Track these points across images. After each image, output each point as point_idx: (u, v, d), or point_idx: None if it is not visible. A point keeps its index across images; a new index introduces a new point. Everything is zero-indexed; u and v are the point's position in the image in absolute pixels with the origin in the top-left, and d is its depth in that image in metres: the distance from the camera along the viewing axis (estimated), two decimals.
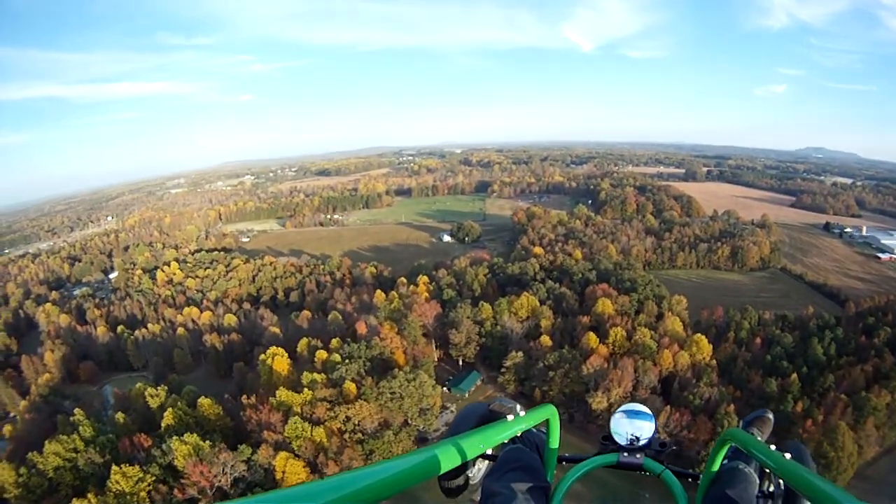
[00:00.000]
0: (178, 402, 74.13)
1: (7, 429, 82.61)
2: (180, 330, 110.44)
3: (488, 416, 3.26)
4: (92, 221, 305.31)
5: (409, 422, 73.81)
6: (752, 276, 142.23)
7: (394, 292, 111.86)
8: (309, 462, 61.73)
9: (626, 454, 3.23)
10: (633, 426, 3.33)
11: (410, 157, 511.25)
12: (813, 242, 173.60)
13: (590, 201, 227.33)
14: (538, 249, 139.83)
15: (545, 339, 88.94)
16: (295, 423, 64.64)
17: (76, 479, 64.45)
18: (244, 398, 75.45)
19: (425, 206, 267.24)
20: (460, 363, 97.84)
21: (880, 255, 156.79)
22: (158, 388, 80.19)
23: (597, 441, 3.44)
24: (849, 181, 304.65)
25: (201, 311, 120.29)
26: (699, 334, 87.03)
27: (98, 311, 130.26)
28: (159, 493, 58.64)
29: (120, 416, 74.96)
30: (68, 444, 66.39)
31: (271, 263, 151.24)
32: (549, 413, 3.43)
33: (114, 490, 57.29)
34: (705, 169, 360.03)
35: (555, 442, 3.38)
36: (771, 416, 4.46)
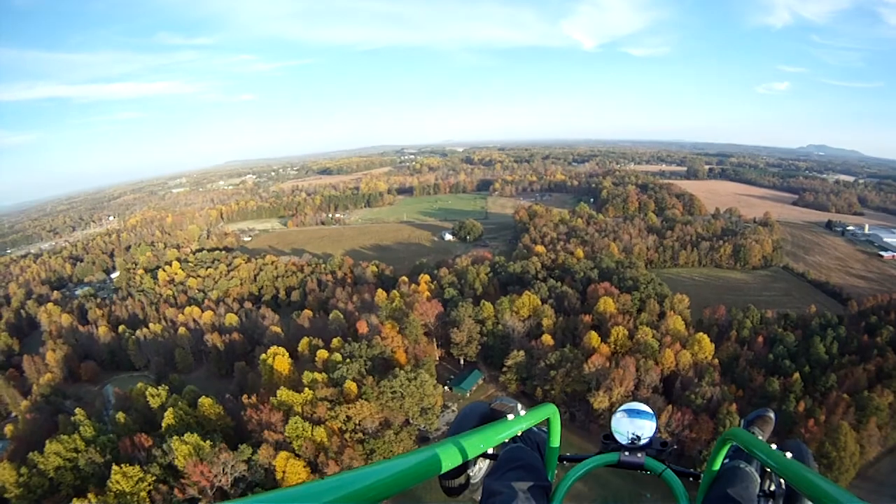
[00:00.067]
0: (179, 402, 74.11)
1: (8, 428, 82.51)
2: (181, 329, 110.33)
3: (489, 416, 3.32)
4: (94, 221, 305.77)
5: (411, 421, 73.72)
6: (755, 274, 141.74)
7: (395, 291, 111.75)
8: (309, 462, 61.65)
9: (627, 453, 3.27)
10: (634, 425, 3.34)
11: (412, 156, 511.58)
12: (815, 241, 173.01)
13: (592, 199, 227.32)
14: (540, 248, 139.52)
15: (547, 338, 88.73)
16: (295, 422, 64.53)
17: (77, 479, 64.45)
18: (245, 398, 75.41)
19: (427, 204, 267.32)
20: (462, 362, 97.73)
21: (883, 253, 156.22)
22: (159, 387, 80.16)
23: (598, 440, 3.48)
24: (851, 179, 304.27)
25: (202, 311, 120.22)
26: (701, 333, 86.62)
27: (99, 310, 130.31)
28: (160, 493, 58.64)
29: (121, 415, 74.96)
30: (69, 444, 66.36)
31: (273, 262, 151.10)
32: (550, 412, 3.47)
33: (114, 490, 57.33)
34: (707, 167, 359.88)
35: (556, 441, 3.42)
36: (772, 415, 4.45)
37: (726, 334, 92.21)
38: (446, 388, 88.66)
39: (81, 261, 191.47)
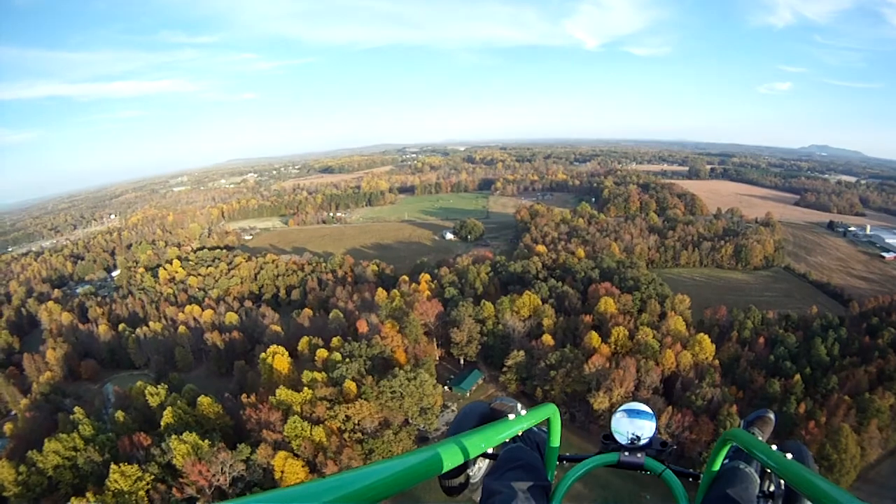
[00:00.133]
0: (178, 401, 73.95)
1: (8, 427, 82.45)
2: (181, 328, 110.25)
3: (489, 415, 3.35)
4: (95, 219, 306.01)
5: (410, 421, 73.54)
6: (756, 274, 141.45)
7: (395, 290, 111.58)
8: (308, 462, 61.50)
9: (626, 453, 3.26)
10: (633, 425, 3.34)
11: (414, 155, 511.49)
12: (817, 241, 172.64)
13: (593, 199, 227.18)
14: (541, 248, 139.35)
15: (547, 338, 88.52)
16: (294, 422, 64.38)
17: (75, 478, 64.40)
18: (244, 397, 75.33)
19: (428, 203, 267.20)
20: (462, 362, 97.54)
21: (884, 254, 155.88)
22: (159, 386, 79.97)
23: (598, 441, 3.46)
24: (853, 179, 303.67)
25: (203, 309, 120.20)
26: (702, 334, 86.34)
27: (100, 309, 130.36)
28: (158, 493, 58.52)
29: (120, 414, 74.86)
30: (68, 443, 66.36)
31: (273, 261, 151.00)
32: (550, 412, 3.49)
33: (112, 489, 57.22)
34: (709, 167, 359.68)
35: (556, 441, 3.44)
36: (772, 415, 4.45)
37: (727, 335, 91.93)
38: (446, 387, 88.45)
39: (82, 259, 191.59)
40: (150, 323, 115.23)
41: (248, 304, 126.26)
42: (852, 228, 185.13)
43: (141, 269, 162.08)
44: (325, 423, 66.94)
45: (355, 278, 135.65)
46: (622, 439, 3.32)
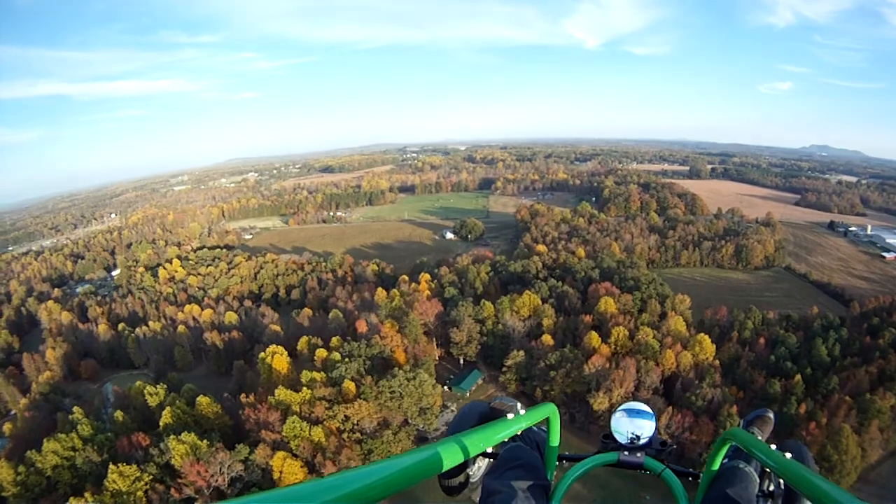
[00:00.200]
0: (177, 401, 73.77)
1: (7, 426, 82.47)
2: (181, 327, 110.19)
3: (489, 415, 3.31)
4: (95, 219, 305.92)
5: (409, 421, 73.40)
6: (757, 275, 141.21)
7: (395, 290, 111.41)
8: (307, 462, 61.35)
9: (626, 453, 3.26)
10: (633, 425, 3.34)
11: (414, 154, 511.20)
12: (817, 241, 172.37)
13: (593, 199, 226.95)
14: (541, 247, 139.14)
15: (547, 339, 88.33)
16: (293, 422, 64.22)
17: (74, 478, 64.32)
18: (243, 397, 75.15)
19: (429, 203, 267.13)
20: (461, 362, 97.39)
21: (885, 254, 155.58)
22: (158, 386, 79.84)
23: (598, 442, 3.46)
24: (853, 179, 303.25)
25: (202, 309, 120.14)
26: (702, 334, 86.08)
27: (100, 308, 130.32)
28: (156, 493, 58.37)
29: (119, 414, 74.78)
30: (67, 443, 66.22)
31: (273, 261, 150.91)
32: (550, 411, 3.48)
33: (111, 489, 57.07)
34: (709, 166, 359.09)
35: (555, 440, 3.43)
36: (771, 415, 4.45)
37: (728, 335, 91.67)
38: (446, 387, 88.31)
39: (82, 258, 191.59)
40: (150, 322, 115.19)
41: (247, 303, 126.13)
42: (853, 228, 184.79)
43: (141, 269, 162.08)
44: (324, 423, 66.80)
45: (355, 278, 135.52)
46: (622, 439, 3.32)
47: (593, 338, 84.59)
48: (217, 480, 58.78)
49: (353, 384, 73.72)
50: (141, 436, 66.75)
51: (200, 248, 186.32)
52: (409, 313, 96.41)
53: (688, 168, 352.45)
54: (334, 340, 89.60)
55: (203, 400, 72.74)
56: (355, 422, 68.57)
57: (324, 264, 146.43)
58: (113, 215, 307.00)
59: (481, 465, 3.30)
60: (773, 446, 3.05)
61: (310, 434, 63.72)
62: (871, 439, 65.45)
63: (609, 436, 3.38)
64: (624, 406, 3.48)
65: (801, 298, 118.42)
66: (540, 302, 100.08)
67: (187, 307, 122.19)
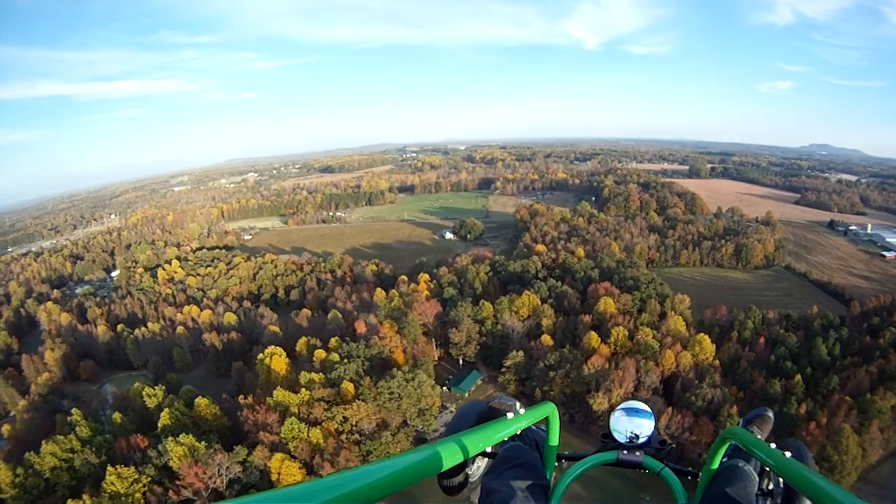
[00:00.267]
0: (176, 402, 73.58)
1: (6, 428, 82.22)
2: (180, 328, 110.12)
3: (488, 414, 3.29)
4: (95, 219, 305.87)
5: (408, 422, 73.26)
6: (756, 274, 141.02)
7: (394, 290, 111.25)
8: (305, 463, 61.19)
9: (625, 452, 3.28)
10: (632, 424, 3.35)
11: (414, 154, 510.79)
12: (817, 240, 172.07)
13: (593, 198, 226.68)
14: (540, 247, 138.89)
15: (546, 339, 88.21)
16: (291, 423, 64.05)
17: (72, 480, 64.20)
18: (241, 398, 74.89)
19: (428, 203, 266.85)
20: (460, 362, 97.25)
21: (885, 253, 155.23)
22: (156, 387, 79.70)
23: (597, 442, 3.47)
24: (853, 178, 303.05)
25: (201, 310, 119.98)
26: (702, 334, 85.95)
27: (99, 309, 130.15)
28: (154, 495, 58.24)
29: (117, 415, 74.66)
30: (65, 445, 66.10)
31: (272, 261, 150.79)
32: (549, 411, 3.49)
33: (109, 491, 56.95)
34: (709, 166, 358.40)
35: (554, 440, 3.44)
36: (771, 414, 4.42)
37: (727, 335, 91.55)
38: (445, 388, 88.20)
39: (82, 259, 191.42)
40: (149, 323, 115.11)
41: (246, 304, 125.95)
42: (853, 227, 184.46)
43: (140, 270, 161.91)
44: (323, 424, 66.62)
45: (354, 278, 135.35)
46: (621, 438, 3.33)
47: (593, 338, 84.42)
48: (215, 482, 58.63)
49: (351, 385, 73.59)
50: (139, 437, 66.66)
51: (200, 249, 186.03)
52: (408, 314, 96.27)
53: (687, 167, 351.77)
54: (333, 341, 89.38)
55: (201, 401, 72.60)
56: (354, 423, 68.39)
57: (323, 265, 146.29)
58: (112, 216, 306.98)
59: (480, 464, 3.28)
60: (773, 445, 3.02)
61: (308, 435, 63.57)
62: (872, 439, 65.28)
63: (608, 435, 3.40)
64: (623, 405, 3.49)
65: (801, 298, 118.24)
66: (539, 302, 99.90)
67: (186, 308, 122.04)
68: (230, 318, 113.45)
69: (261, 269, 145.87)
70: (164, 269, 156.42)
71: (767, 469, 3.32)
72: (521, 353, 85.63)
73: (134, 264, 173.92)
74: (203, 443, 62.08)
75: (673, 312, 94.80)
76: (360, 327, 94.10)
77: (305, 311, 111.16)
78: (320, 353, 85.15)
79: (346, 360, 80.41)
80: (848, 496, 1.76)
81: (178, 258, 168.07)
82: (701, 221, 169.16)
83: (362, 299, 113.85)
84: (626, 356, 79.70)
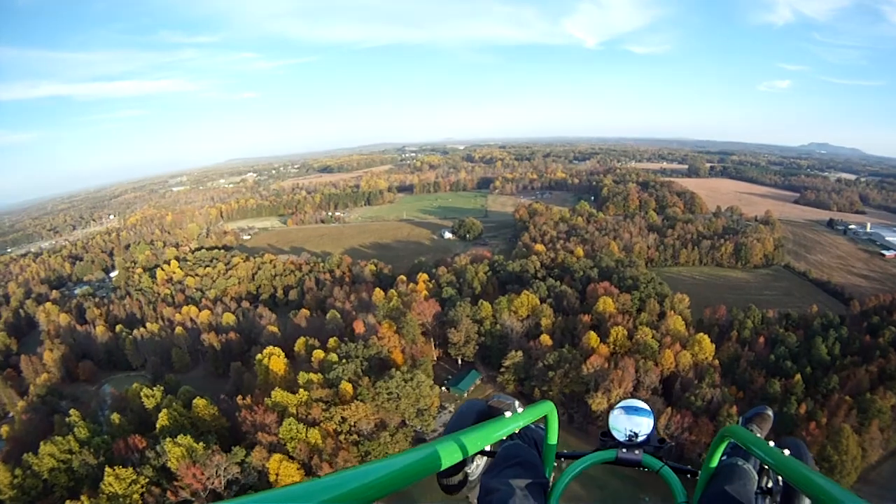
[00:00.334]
0: (174, 403, 73.45)
1: (4, 429, 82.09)
2: (178, 329, 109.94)
3: (487, 413, 3.30)
4: (94, 220, 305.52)
5: (407, 423, 73.12)
6: (756, 273, 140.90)
7: (393, 290, 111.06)
8: (303, 464, 61.03)
9: (624, 450, 3.27)
10: (631, 422, 3.34)
11: (413, 154, 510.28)
12: (817, 239, 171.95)
13: (592, 198, 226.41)
14: (539, 247, 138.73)
15: (545, 339, 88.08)
16: (290, 424, 63.89)
17: (71, 481, 64.06)
18: (239, 399, 74.69)
19: (427, 202, 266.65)
20: (459, 362, 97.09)
21: (885, 252, 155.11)
22: (154, 388, 79.50)
23: (596, 443, 3.47)
24: (853, 177, 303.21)
25: (200, 310, 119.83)
26: (701, 333, 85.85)
27: (98, 310, 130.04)
28: (152, 496, 58.11)
29: (115, 416, 74.50)
30: (63, 446, 65.95)
31: (271, 261, 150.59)
32: (548, 409, 3.50)
33: (107, 492, 56.81)
34: (708, 165, 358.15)
35: (553, 438, 3.45)
36: (770, 412, 4.41)
37: (727, 334, 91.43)
38: (443, 388, 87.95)
39: (81, 260, 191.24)
40: (148, 324, 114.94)
41: (245, 304, 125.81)
42: (852, 226, 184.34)
43: (139, 270, 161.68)
44: (321, 425, 66.44)
45: (353, 278, 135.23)
46: (620, 436, 3.31)
47: (592, 338, 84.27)
48: (213, 483, 58.45)
49: (350, 385, 73.42)
50: (137, 438, 66.51)
51: (198, 249, 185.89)
52: (407, 314, 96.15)
53: (687, 166, 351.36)
54: (331, 341, 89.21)
55: (200, 402, 72.46)
56: (352, 423, 68.16)
57: (322, 264, 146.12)
58: (111, 216, 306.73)
59: (479, 463, 3.28)
60: (772, 443, 2.99)
61: (306, 436, 63.44)
62: (872, 439, 65.18)
63: (607, 433, 3.38)
64: (622, 403, 3.48)
65: (801, 297, 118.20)
66: (538, 302, 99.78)
67: (185, 308, 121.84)
68: (229, 319, 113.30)
69: (259, 269, 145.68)
70: (162, 269, 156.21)
71: (766, 467, 3.32)
72: (519, 352, 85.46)
73: (133, 265, 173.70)
74: (201, 443, 61.90)
75: (672, 312, 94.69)
76: (359, 327, 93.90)
77: (304, 312, 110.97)
78: (319, 354, 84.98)
79: (344, 361, 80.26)
80: (847, 494, 1.76)
81: (176, 258, 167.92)
82: (700, 220, 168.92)
83: (361, 299, 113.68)
84: (625, 356, 79.59)
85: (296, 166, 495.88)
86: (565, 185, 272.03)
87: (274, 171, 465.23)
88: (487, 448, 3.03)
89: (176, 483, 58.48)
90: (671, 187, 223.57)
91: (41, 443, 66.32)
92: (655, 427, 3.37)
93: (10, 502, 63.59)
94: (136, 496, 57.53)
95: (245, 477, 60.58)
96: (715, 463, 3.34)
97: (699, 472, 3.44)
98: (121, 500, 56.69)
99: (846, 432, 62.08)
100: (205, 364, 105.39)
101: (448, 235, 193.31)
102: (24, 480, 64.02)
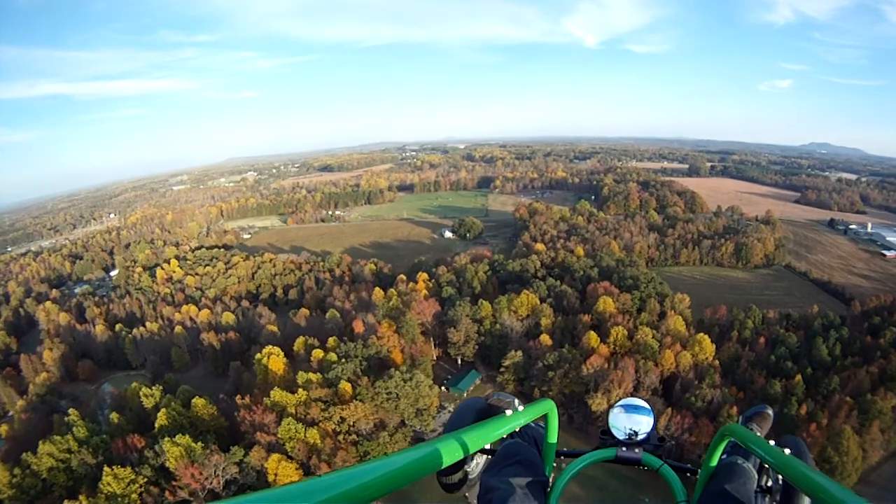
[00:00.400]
0: (173, 402, 73.30)
1: (3, 428, 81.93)
2: (178, 328, 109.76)
3: (487, 411, 3.28)
4: (94, 219, 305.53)
5: (406, 422, 72.91)
6: (756, 273, 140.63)
7: (392, 290, 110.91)
8: (302, 464, 60.89)
9: (624, 449, 3.26)
10: (631, 421, 3.33)
11: (413, 153, 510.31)
12: (817, 239, 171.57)
13: (593, 197, 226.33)
14: (540, 246, 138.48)
15: (545, 338, 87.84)
16: (288, 424, 63.75)
17: (69, 480, 63.93)
18: (239, 398, 74.55)
19: (427, 201, 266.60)
20: (459, 362, 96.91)
21: (886, 252, 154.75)
22: (153, 387, 79.35)
23: (596, 442, 3.45)
24: (854, 177, 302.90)
25: (200, 309, 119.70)
26: (702, 334, 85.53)
27: (97, 309, 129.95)
28: (151, 496, 58.04)
29: (114, 416, 74.42)
30: (62, 445, 65.83)
31: (271, 260, 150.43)
32: (548, 408, 3.55)
33: (105, 492, 56.71)
34: (709, 164, 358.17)
35: (553, 436, 3.48)
36: (770, 411, 4.37)
37: (727, 335, 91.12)
38: (443, 388, 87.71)
39: (81, 259, 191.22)
40: (147, 323, 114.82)
41: (245, 303, 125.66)
42: (853, 226, 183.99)
43: (139, 269, 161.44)
44: (320, 424, 66.31)
45: (353, 277, 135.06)
46: (620, 435, 3.30)
47: (592, 338, 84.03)
48: (212, 483, 58.34)
49: (349, 385, 73.25)
50: (136, 438, 66.48)
51: (198, 248, 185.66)
52: (407, 313, 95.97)
53: (687, 166, 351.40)
54: (331, 341, 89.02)
55: (199, 401, 72.32)
56: (351, 423, 67.98)
57: (322, 264, 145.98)
58: (112, 215, 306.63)
59: (479, 461, 3.23)
60: (771, 442, 2.99)
61: (305, 436, 63.30)
62: (872, 440, 64.95)
63: (607, 432, 3.37)
64: (621, 402, 3.46)
65: (802, 297, 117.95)
66: (538, 301, 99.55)
67: (184, 308, 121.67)
68: (228, 318, 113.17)
69: (259, 268, 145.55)
70: (162, 268, 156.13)
71: (766, 466, 3.31)
72: (519, 352, 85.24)
73: (133, 264, 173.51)
74: (200, 443, 61.78)
75: (672, 312, 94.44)
76: (359, 327, 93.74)
77: (304, 311, 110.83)
78: (318, 353, 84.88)
79: (343, 360, 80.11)
80: (846, 493, 1.77)
81: (176, 257, 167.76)
82: (701, 220, 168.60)
83: (361, 299, 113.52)
84: (625, 356, 79.35)
85: (296, 165, 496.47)
86: (566, 185, 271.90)
87: (274, 170, 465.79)
88: (487, 446, 2.97)
89: (174, 483, 58.40)
90: (672, 187, 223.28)
91: (40, 442, 66.14)
92: (655, 426, 3.37)
93: (9, 501, 63.46)
94: (134, 496, 57.45)
95: (243, 477, 60.45)
96: (715, 461, 3.34)
97: (699, 470, 3.43)
98: (119, 499, 56.59)
99: (847, 433, 61.88)
100: (204, 363, 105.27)
101: (448, 235, 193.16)
102: (23, 479, 63.90)
